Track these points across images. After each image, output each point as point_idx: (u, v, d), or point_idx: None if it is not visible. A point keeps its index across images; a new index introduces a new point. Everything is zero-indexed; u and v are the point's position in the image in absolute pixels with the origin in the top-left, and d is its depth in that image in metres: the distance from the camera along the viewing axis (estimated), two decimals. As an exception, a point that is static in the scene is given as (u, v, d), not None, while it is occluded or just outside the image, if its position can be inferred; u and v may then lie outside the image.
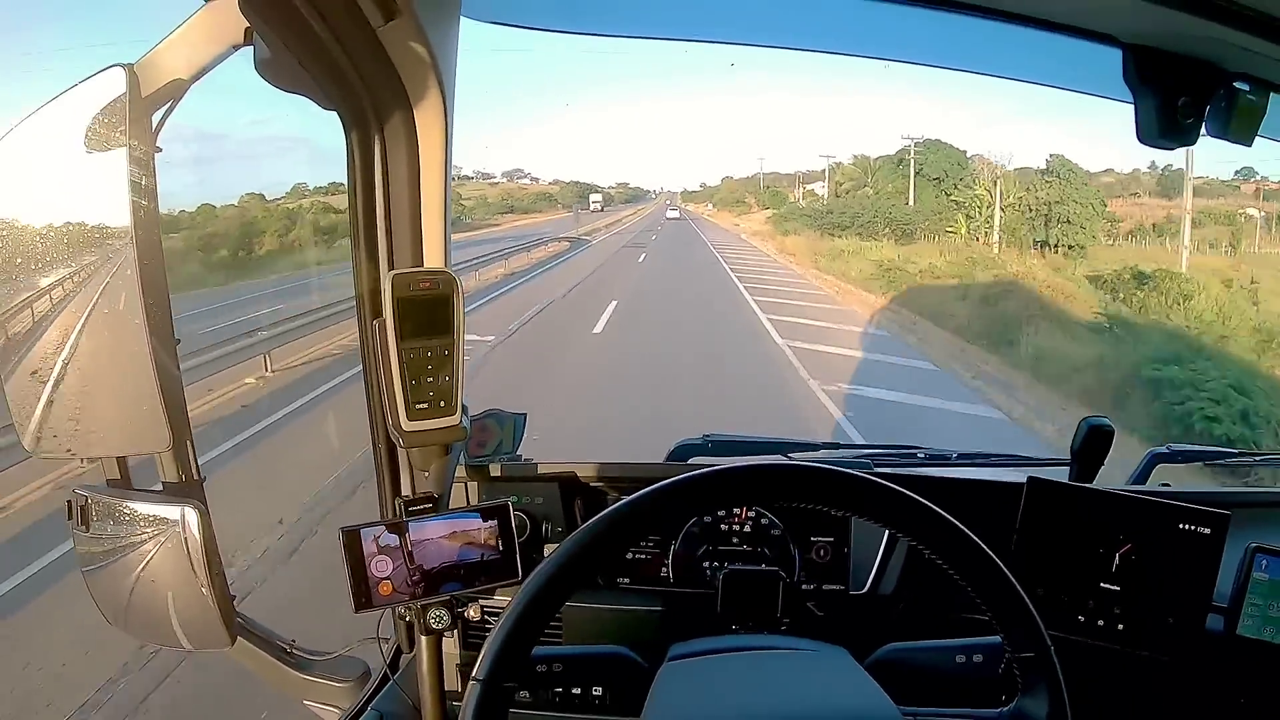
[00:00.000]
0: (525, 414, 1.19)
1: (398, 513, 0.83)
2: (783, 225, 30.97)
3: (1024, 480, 0.96)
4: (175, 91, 0.85)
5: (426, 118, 0.84)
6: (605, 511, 0.62)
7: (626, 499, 0.63)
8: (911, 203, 25.66)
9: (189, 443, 0.91)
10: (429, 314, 0.81)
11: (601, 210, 52.60)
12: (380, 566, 0.80)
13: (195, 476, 0.91)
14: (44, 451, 0.85)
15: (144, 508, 0.88)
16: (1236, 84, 0.92)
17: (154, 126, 0.84)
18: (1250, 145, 0.96)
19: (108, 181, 0.81)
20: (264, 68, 0.82)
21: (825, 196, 34.04)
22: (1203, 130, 0.95)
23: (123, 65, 0.81)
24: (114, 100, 0.81)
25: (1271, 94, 0.92)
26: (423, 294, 0.80)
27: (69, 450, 0.86)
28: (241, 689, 2.29)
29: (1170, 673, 0.93)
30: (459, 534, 0.82)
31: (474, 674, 0.60)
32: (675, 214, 52.54)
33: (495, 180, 57.82)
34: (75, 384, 0.83)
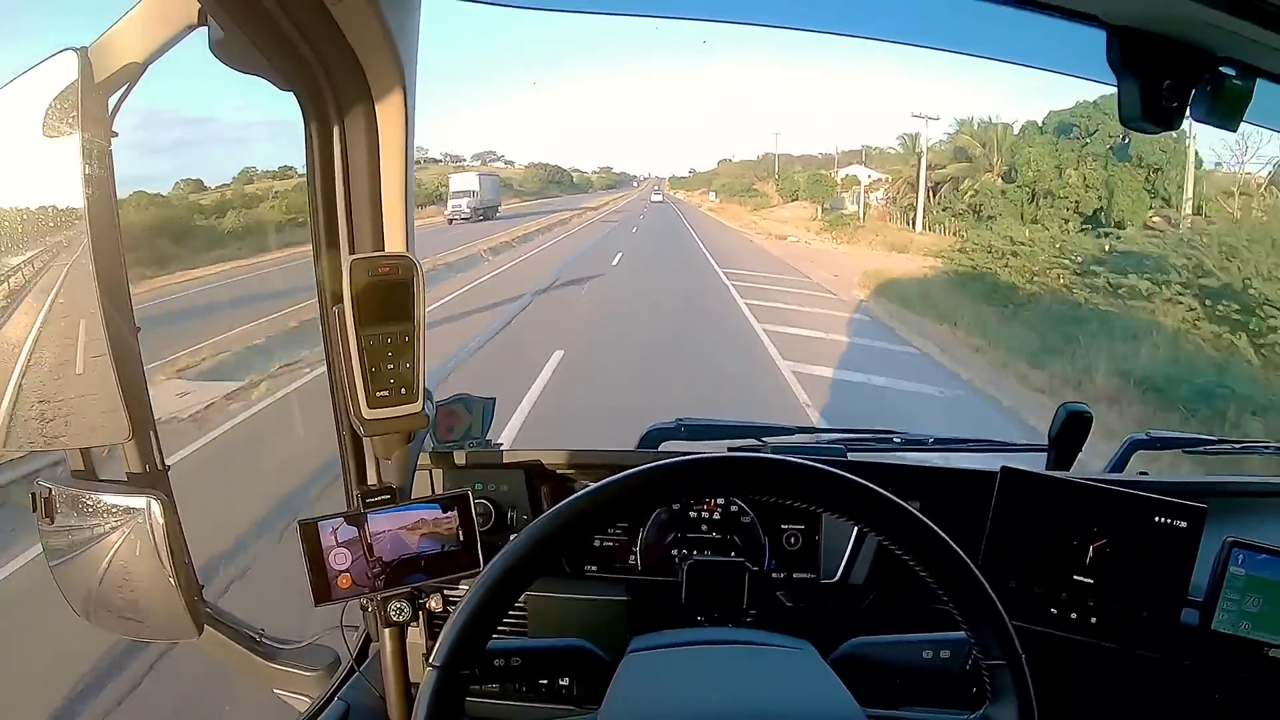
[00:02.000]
0: (494, 399, 1.18)
1: (357, 504, 0.82)
2: (848, 229, 22.84)
3: (998, 467, 0.94)
4: (130, 75, 0.83)
5: (385, 98, 0.82)
6: (567, 500, 0.61)
7: (589, 488, 0.62)
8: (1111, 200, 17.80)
9: (152, 432, 0.90)
10: (389, 300, 0.79)
11: (469, 212, 27.70)
12: (339, 559, 0.79)
13: (159, 466, 0.91)
14: (6, 445, 0.85)
15: (108, 499, 0.88)
16: (1223, 68, 0.90)
17: (109, 111, 0.83)
18: (1235, 130, 0.94)
19: (62, 169, 0.80)
20: (219, 49, 0.80)
21: (885, 185, 26.21)
22: (1187, 114, 0.93)
23: (75, 49, 0.80)
24: (67, 85, 0.79)
25: (1258, 79, 0.90)
26: (382, 279, 0.79)
27: (31, 443, 0.85)
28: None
29: (1144, 667, 0.92)
30: (419, 525, 0.81)
31: (431, 660, 0.59)
32: (659, 198, 48.80)
33: (464, 163, 51.64)
34: (35, 376, 0.82)
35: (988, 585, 0.61)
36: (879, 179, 28.02)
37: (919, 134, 24.58)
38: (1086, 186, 19.07)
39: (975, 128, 22.52)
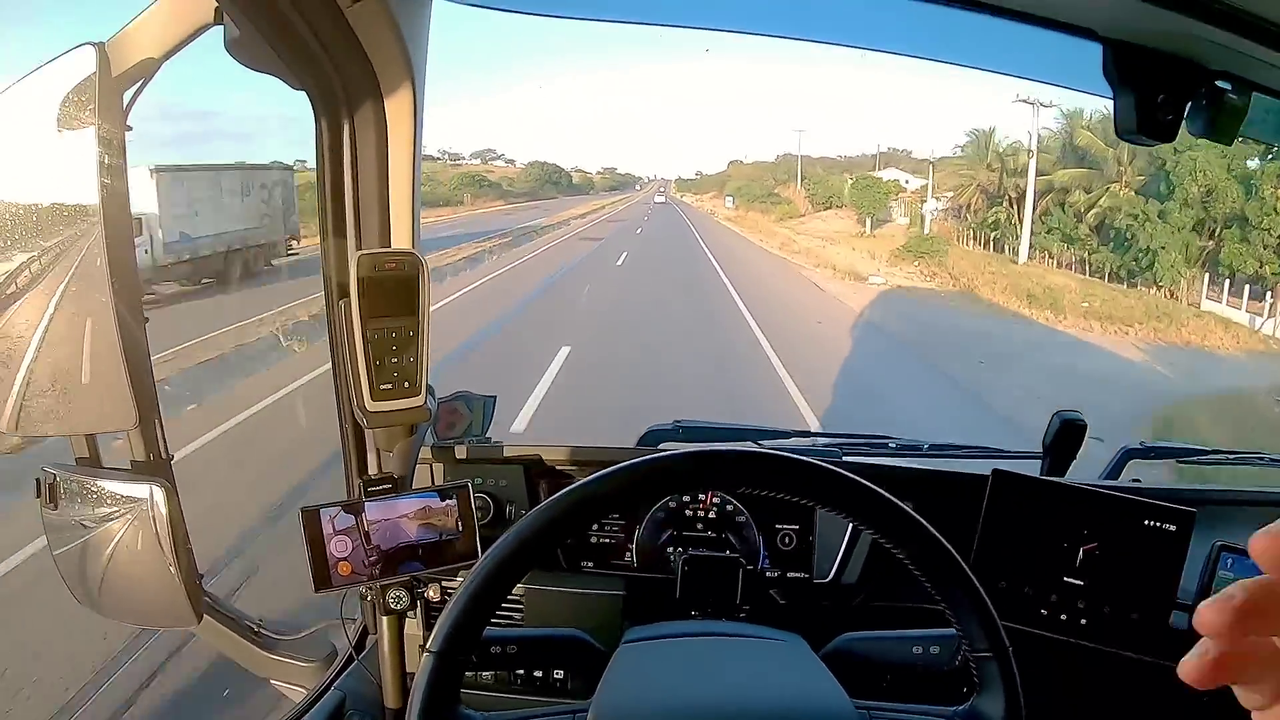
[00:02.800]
0: (495, 396, 1.19)
1: (358, 493, 0.84)
2: (935, 258, 15.95)
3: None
4: (146, 70, 0.85)
5: (395, 99, 0.84)
6: (567, 489, 0.62)
7: (590, 477, 0.62)
8: None
9: (157, 421, 0.91)
10: (394, 294, 0.81)
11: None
12: (339, 546, 0.80)
13: (163, 455, 0.92)
14: (15, 429, 0.86)
15: (112, 486, 0.89)
16: (1218, 83, 0.91)
17: (124, 105, 0.85)
18: (1230, 144, 0.96)
19: (77, 160, 0.81)
20: (234, 47, 0.82)
21: (931, 193, 21.12)
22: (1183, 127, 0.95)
23: (93, 44, 0.82)
24: (84, 79, 0.81)
25: (1254, 93, 0.91)
26: (388, 274, 0.80)
27: (38, 428, 0.87)
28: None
29: (1133, 669, 0.93)
30: (418, 514, 0.83)
31: (428, 645, 0.60)
32: (662, 199, 46.32)
33: (462, 161, 48.16)
34: (45, 362, 0.83)
35: (974, 578, 0.62)
36: (919, 187, 23.51)
37: (992, 130, 18.84)
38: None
39: (1091, 121, 16.22)
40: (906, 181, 24.55)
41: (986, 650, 0.62)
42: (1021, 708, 0.62)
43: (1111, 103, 0.95)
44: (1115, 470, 1.24)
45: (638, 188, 62.65)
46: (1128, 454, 1.25)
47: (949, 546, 0.62)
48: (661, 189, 57.87)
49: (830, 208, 26.86)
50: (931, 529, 0.62)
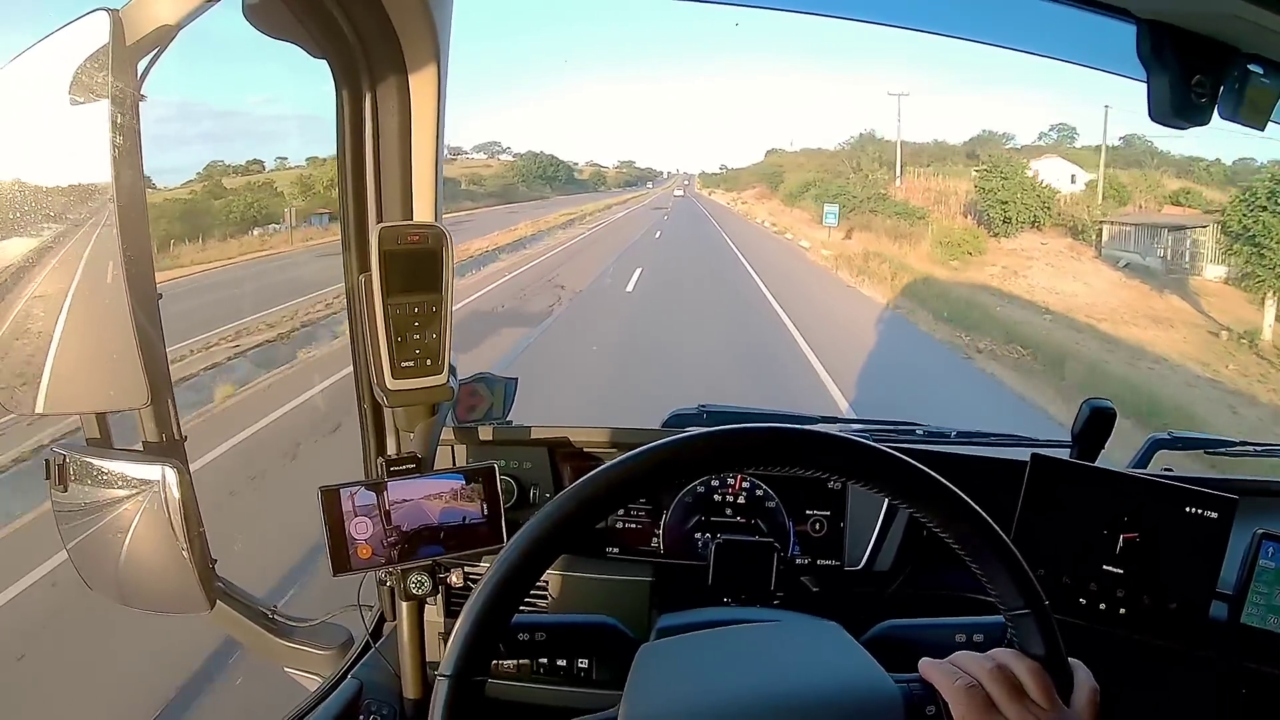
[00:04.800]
0: (516, 379, 1.17)
1: (379, 472, 0.81)
2: None
3: (1024, 459, 0.93)
4: (161, 38, 0.83)
5: (419, 67, 0.81)
6: (593, 473, 0.59)
7: (616, 460, 0.60)
8: None
9: (170, 400, 0.88)
10: (416, 269, 0.78)
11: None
12: (360, 528, 0.78)
13: (176, 436, 0.89)
14: (22, 407, 0.83)
15: (123, 467, 0.86)
16: (1250, 66, 0.89)
17: (139, 74, 0.82)
18: (1263, 129, 0.94)
19: (91, 132, 0.79)
20: (252, 13, 0.80)
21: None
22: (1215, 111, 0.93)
23: (107, 10, 0.79)
24: (99, 46, 0.79)
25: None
26: (410, 248, 0.78)
27: (50, 405, 0.84)
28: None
29: (1172, 660, 0.91)
30: (441, 496, 0.80)
31: (440, 669, 0.54)
32: (680, 193, 41.21)
33: (465, 154, 41.87)
34: (56, 340, 0.81)
35: (1006, 537, 0.58)
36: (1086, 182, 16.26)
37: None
38: None
39: None
40: (1073, 179, 16.61)
41: (1023, 607, 0.58)
42: (1064, 658, 0.59)
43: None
44: (1144, 460, 1.21)
45: (650, 184, 52.78)
46: (1155, 444, 1.22)
47: (978, 509, 0.59)
48: (685, 183, 49.60)
49: (1011, 223, 15.51)
50: (960, 493, 0.59)
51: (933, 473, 0.59)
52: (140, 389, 0.82)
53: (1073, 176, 16.79)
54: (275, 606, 0.96)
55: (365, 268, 0.80)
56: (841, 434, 0.60)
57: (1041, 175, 16.71)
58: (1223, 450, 1.26)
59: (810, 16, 1.08)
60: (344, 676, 0.92)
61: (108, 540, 0.88)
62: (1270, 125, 0.94)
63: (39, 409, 0.83)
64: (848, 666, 0.65)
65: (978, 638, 0.76)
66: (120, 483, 0.87)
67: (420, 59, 0.81)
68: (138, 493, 0.86)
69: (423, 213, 0.85)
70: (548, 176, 43.83)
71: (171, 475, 0.84)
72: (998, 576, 0.58)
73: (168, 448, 0.89)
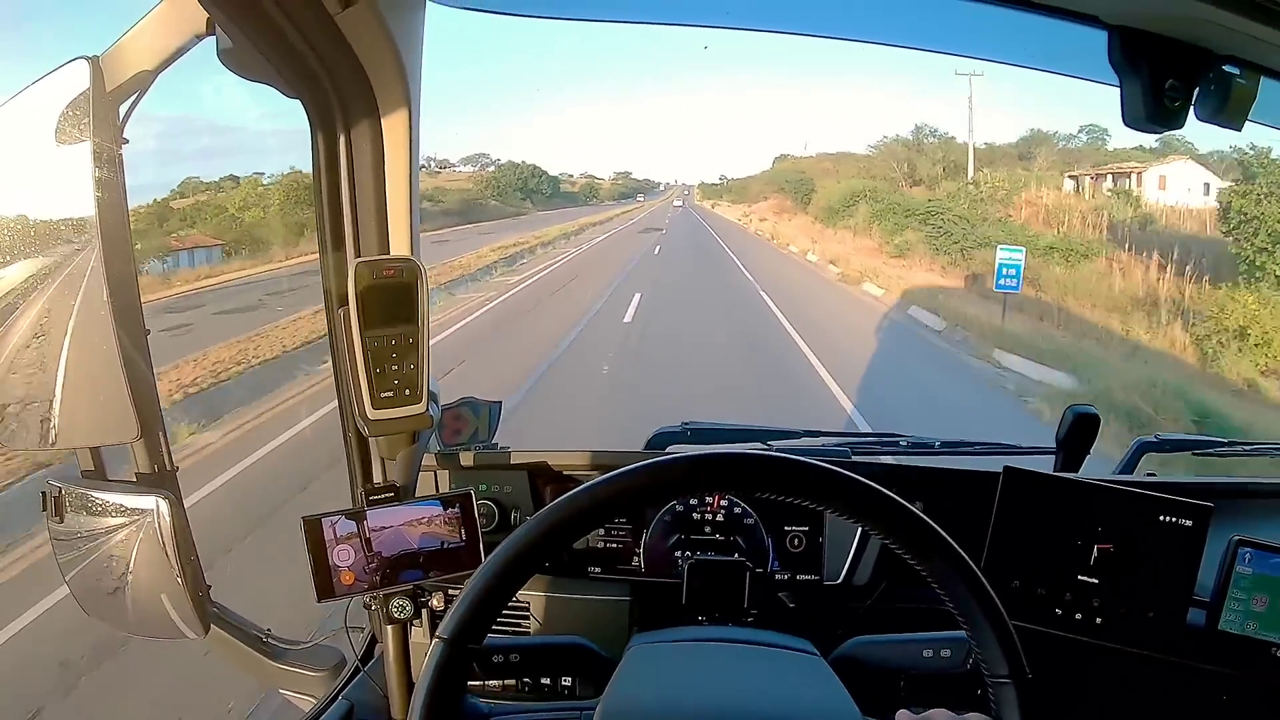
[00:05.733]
0: (500, 402, 1.19)
1: (359, 501, 0.83)
2: None
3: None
4: (140, 83, 0.85)
5: (390, 104, 0.83)
6: (578, 489, 0.60)
7: (601, 477, 0.61)
8: None
9: (160, 433, 0.91)
10: (392, 302, 0.81)
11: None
12: (342, 555, 0.80)
13: (168, 466, 0.92)
14: (16, 444, 0.86)
15: (118, 498, 0.89)
16: (1226, 67, 0.89)
17: (120, 119, 0.85)
18: (1240, 129, 0.94)
19: (74, 175, 0.82)
20: (226, 58, 0.82)
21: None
22: (1191, 114, 0.93)
23: (87, 58, 0.82)
24: (79, 93, 0.81)
25: (1262, 77, 0.89)
26: (386, 282, 0.80)
27: (42, 442, 0.87)
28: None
29: (1150, 668, 0.91)
30: (419, 522, 0.82)
31: (438, 633, 0.59)
32: (679, 203, 40.56)
33: (453, 168, 40.47)
34: (47, 376, 0.84)
35: (995, 597, 0.59)
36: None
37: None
38: None
39: None
40: (1206, 189, 12.80)
41: (1005, 676, 0.59)
42: None
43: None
44: (1130, 464, 1.22)
45: (639, 199, 50.23)
46: (1142, 447, 1.23)
47: (966, 558, 0.59)
48: (684, 194, 48.53)
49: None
50: (947, 538, 0.59)
51: (923, 515, 0.59)
52: (130, 423, 0.85)
53: (1206, 186, 12.50)
54: (269, 630, 0.99)
55: (344, 301, 0.82)
56: (780, 454, 0.61)
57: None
58: (1210, 451, 1.26)
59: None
60: (335, 698, 0.94)
61: (104, 569, 0.90)
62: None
63: (33, 446, 0.86)
64: (817, 693, 0.66)
65: (945, 653, 0.77)
66: (115, 513, 0.89)
67: (391, 98, 0.82)
68: (132, 523, 0.89)
69: (399, 246, 0.87)
70: (529, 189, 39.67)
71: (164, 506, 0.87)
72: (984, 640, 0.59)
73: (159, 478, 0.91)
